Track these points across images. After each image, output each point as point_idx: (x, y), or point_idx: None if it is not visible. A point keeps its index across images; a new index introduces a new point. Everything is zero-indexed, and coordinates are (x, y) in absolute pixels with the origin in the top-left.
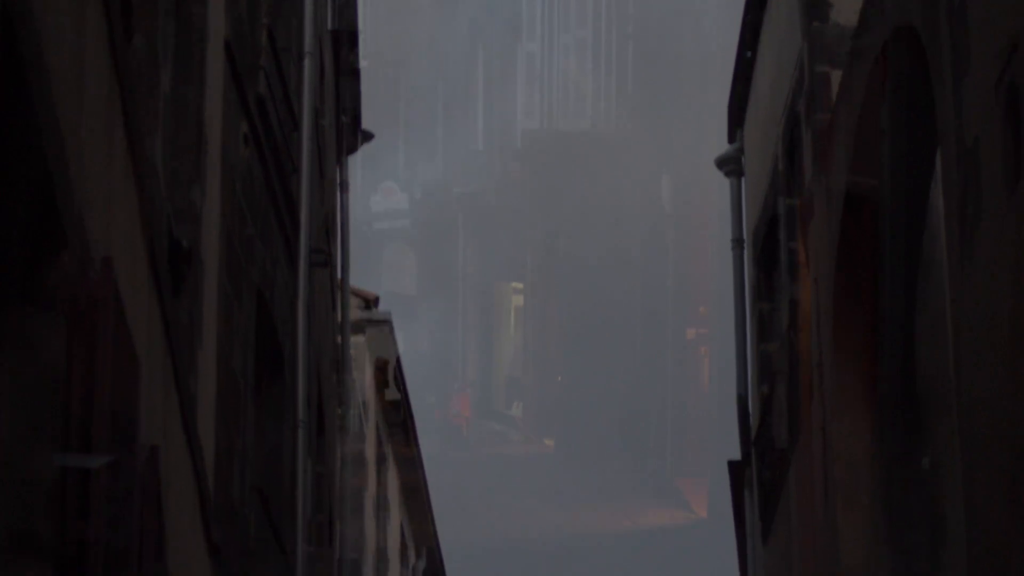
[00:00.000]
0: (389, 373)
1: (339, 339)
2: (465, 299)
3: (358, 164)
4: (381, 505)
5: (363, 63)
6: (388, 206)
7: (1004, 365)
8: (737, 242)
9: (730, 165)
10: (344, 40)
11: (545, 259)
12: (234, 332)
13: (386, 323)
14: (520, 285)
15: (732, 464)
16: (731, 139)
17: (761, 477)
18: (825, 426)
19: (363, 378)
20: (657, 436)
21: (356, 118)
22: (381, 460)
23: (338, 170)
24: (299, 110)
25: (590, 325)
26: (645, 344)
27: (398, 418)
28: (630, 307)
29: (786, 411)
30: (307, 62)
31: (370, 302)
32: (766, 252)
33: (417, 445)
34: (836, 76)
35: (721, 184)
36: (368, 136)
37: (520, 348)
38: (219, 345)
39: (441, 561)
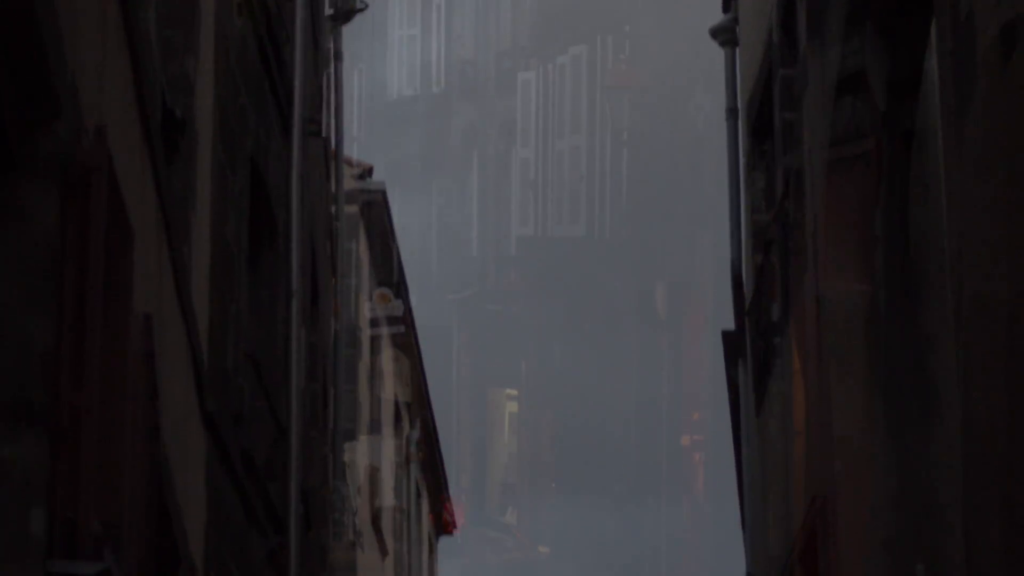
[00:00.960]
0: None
1: (333, 209)
2: (459, 405)
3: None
4: (375, 374)
5: (355, 170)
6: (381, 313)
7: (997, 243)
8: (731, 112)
9: (725, 35)
10: None
11: (539, 365)
12: (228, 201)
13: (380, 192)
14: (514, 391)
15: (726, 334)
16: (726, 9)
17: (755, 347)
18: (819, 295)
19: (357, 248)
20: (652, 543)
21: None
22: (375, 325)
23: (332, 40)
24: None
25: (584, 431)
26: (639, 450)
27: (391, 278)
28: (624, 413)
29: (780, 280)
30: None
31: (365, 172)
32: (760, 122)
33: (410, 311)
34: None
35: (715, 286)
36: (363, 6)
37: (514, 454)
38: (213, 214)
39: (435, 429)
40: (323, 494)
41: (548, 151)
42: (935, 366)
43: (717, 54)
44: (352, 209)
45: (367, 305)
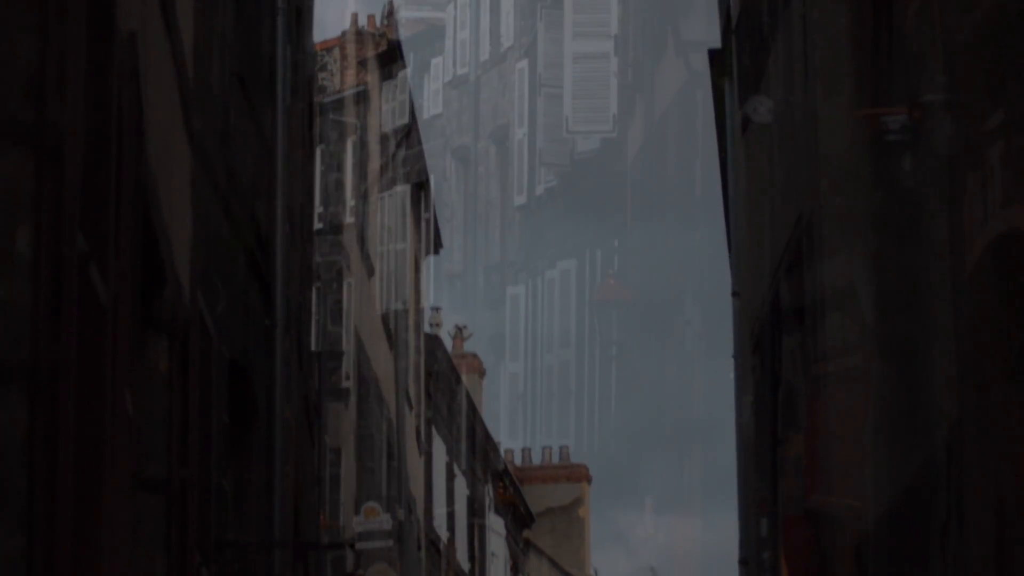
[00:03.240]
0: None
1: None
2: None
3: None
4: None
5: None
6: (370, 527)
7: None
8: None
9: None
10: None
11: None
12: None
13: None
14: None
15: (712, 52)
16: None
17: (741, 64)
18: (805, 14)
19: None
20: None
21: None
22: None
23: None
24: None
25: None
26: None
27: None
28: None
29: None
30: None
31: None
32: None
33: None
34: None
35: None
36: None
37: None
38: None
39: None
40: (307, 213)
41: (537, 365)
42: (920, 87)
43: (706, 268)
44: None
45: None
